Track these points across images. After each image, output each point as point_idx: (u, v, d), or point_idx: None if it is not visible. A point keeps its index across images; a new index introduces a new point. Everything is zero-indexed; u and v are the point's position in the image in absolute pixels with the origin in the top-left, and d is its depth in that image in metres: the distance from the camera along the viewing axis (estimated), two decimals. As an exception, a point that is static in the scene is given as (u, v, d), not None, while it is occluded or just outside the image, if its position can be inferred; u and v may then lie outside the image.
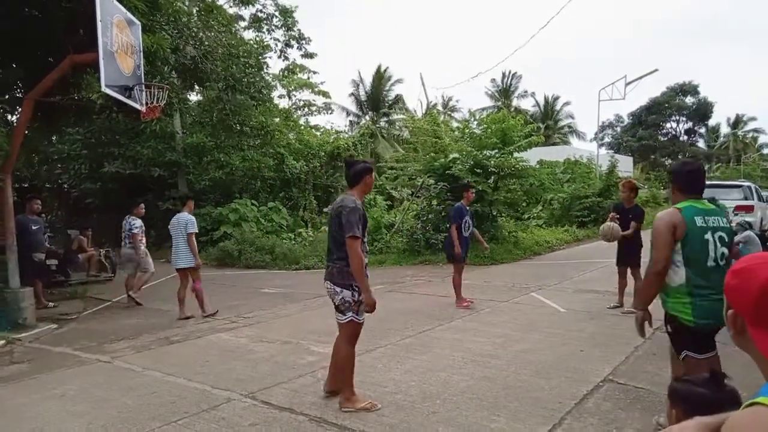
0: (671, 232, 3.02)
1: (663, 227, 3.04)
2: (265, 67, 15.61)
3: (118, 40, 6.69)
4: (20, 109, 7.67)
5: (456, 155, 13.96)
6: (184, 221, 7.47)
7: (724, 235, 3.06)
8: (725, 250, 3.04)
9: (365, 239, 3.92)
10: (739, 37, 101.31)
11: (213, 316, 7.47)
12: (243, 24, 16.56)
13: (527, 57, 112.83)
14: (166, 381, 4.70)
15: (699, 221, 3.02)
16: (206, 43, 10.86)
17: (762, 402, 0.92)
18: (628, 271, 7.22)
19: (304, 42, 16.81)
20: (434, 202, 13.86)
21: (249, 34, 16.49)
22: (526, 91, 46.80)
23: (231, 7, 16.03)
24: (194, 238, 7.51)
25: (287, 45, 16.83)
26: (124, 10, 6.94)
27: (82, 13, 6.73)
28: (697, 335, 3.01)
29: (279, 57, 17.22)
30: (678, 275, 3.06)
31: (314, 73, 21.09)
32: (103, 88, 6.41)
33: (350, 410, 3.83)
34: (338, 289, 3.82)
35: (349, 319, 3.86)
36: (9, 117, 9.73)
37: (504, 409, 3.90)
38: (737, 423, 0.94)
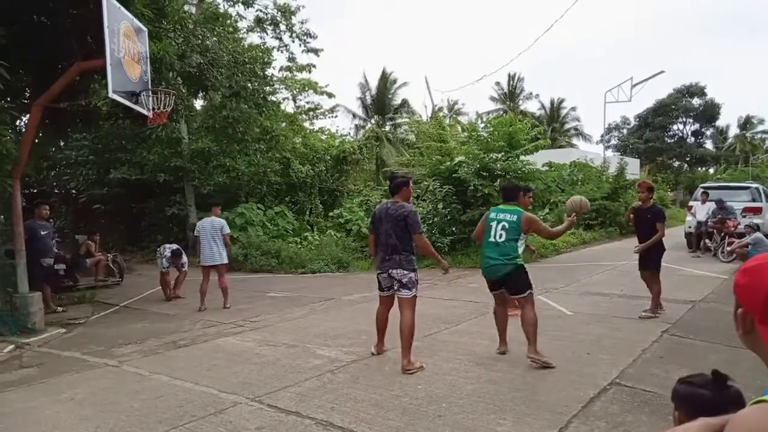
0: (482, 222, 5.26)
1: (481, 219, 5.35)
2: (269, 72, 15.61)
3: (125, 46, 6.73)
4: (28, 115, 7.74)
5: (462, 158, 13.94)
6: (219, 224, 8.28)
7: (506, 224, 5.01)
8: (503, 233, 4.99)
9: None
10: (751, 36, 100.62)
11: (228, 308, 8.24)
12: (245, 25, 16.47)
13: (531, 60, 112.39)
14: (173, 385, 4.73)
15: (492, 215, 5.15)
16: (212, 50, 10.91)
17: None
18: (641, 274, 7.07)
19: (307, 38, 16.68)
20: (440, 206, 13.84)
21: (252, 37, 16.49)
22: (531, 93, 46.76)
23: (235, 10, 16.03)
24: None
25: (280, 40, 16.71)
26: (131, 17, 6.99)
27: (89, 19, 6.79)
28: (486, 280, 5.23)
29: (282, 52, 17.11)
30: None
31: (314, 66, 20.03)
32: (111, 94, 6.45)
33: (412, 372, 4.75)
34: (407, 272, 4.91)
35: (414, 293, 4.96)
36: (18, 122, 9.80)
37: (510, 412, 3.89)
38: (743, 419, 0.93)
